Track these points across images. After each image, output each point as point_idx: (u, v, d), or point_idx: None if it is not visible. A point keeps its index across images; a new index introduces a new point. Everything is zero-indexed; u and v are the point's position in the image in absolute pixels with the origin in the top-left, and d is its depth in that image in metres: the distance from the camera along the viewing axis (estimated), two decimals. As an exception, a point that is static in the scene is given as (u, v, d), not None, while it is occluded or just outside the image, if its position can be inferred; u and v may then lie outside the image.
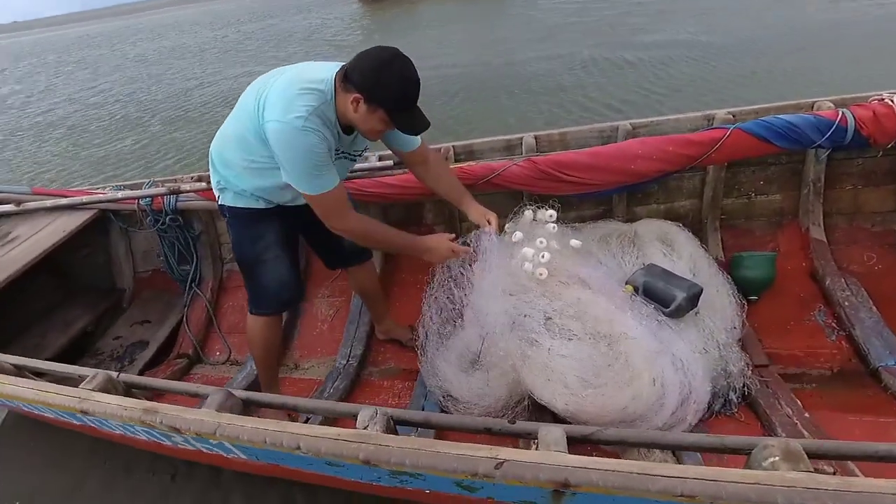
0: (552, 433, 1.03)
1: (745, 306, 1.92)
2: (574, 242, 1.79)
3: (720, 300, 1.87)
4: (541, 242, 1.72)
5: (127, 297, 2.67)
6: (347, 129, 1.49)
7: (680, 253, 1.96)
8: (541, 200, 2.14)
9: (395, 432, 1.17)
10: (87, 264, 2.69)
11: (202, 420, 1.20)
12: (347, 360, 2.10)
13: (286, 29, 13.43)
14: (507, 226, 1.95)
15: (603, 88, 5.49)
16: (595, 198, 2.25)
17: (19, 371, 1.61)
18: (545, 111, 5.13)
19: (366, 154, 2.24)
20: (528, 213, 1.92)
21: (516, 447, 1.01)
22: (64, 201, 2.44)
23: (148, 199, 2.35)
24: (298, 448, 1.07)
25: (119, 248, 2.65)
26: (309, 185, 1.43)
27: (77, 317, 2.44)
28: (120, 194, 2.40)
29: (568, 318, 1.55)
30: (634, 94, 5.26)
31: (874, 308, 1.86)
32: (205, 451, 1.41)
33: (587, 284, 1.69)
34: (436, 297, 1.84)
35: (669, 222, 2.10)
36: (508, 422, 1.10)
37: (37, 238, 2.30)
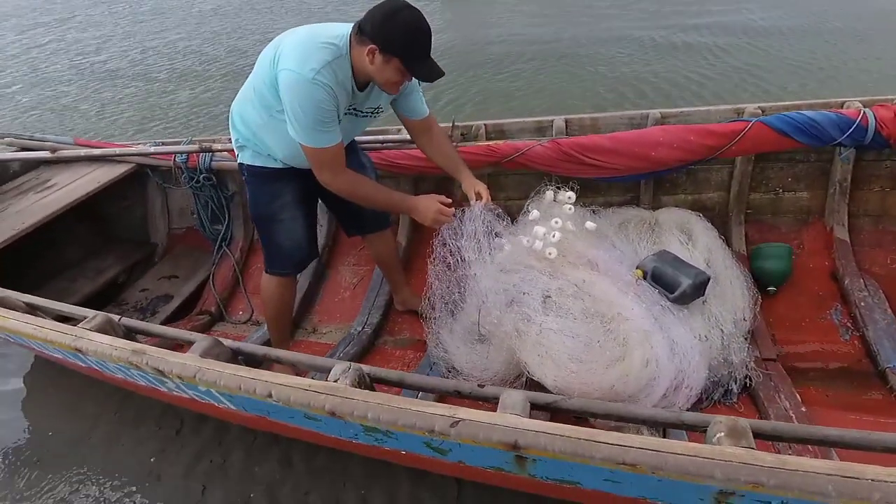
0: (512, 397, 1.09)
1: (760, 300, 1.94)
2: (589, 224, 1.85)
3: (732, 291, 1.89)
4: (556, 222, 1.78)
5: (159, 251, 2.76)
6: (363, 85, 1.54)
7: (696, 243, 1.98)
8: (567, 183, 2.20)
9: (372, 389, 1.22)
10: (125, 217, 2.79)
11: (184, 364, 1.27)
12: (363, 328, 2.19)
13: None
14: (526, 204, 2.02)
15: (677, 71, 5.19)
16: (623, 184, 2.29)
17: (31, 310, 1.68)
18: (601, 94, 4.83)
19: (398, 127, 2.35)
20: (549, 194, 1.98)
21: None
22: (97, 152, 2.55)
23: (183, 156, 2.46)
24: (270, 396, 1.15)
25: (156, 203, 2.78)
26: (309, 138, 1.47)
27: (109, 266, 2.57)
28: (153, 149, 2.50)
29: (567, 297, 1.60)
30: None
31: (889, 310, 1.85)
32: (197, 399, 1.49)
33: (595, 266, 1.75)
34: (439, 272, 1.87)
35: (690, 212, 2.12)
36: (478, 385, 1.18)
37: (73, 186, 2.39)
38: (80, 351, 1.45)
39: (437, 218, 1.66)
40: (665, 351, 1.56)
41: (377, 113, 1.71)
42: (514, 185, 2.40)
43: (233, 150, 2.35)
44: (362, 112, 1.65)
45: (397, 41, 1.38)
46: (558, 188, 1.92)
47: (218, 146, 2.40)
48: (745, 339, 1.82)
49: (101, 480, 1.91)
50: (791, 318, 2.00)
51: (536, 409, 1.10)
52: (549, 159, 2.03)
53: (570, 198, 1.85)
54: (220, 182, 2.62)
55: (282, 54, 1.46)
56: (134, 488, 1.86)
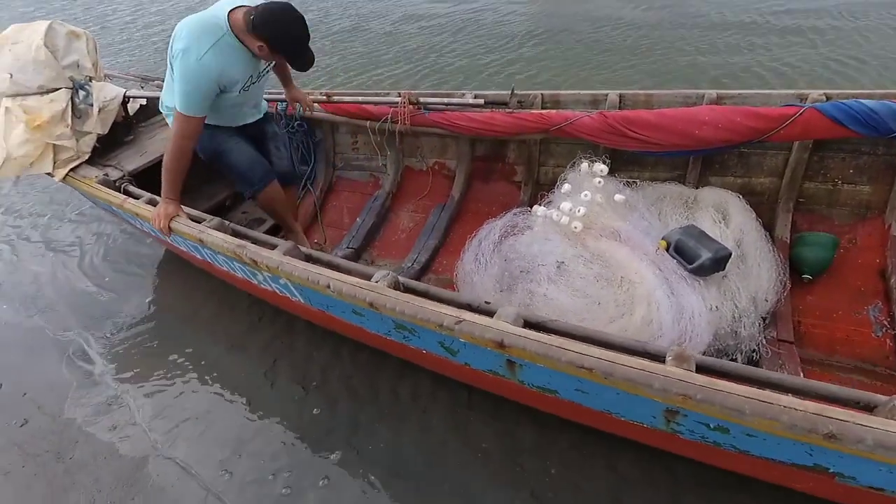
0: (507, 310, 1.33)
1: (789, 285, 1.98)
2: (618, 197, 1.98)
3: (758, 272, 1.95)
4: (584, 195, 1.94)
5: None
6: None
7: (730, 222, 2.05)
8: (606, 154, 2.32)
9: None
10: None
11: (271, 257, 1.69)
12: (412, 264, 2.50)
13: None
14: (561, 176, 2.18)
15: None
16: (671, 161, 2.36)
17: None
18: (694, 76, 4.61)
19: (463, 91, 2.57)
20: (585, 165, 2.13)
21: None
22: None
23: (283, 104, 2.87)
24: (329, 287, 1.50)
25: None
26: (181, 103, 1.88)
27: (219, 192, 3.03)
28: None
29: (580, 262, 1.78)
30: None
31: None
32: (277, 292, 1.92)
33: (619, 236, 1.90)
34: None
35: (730, 192, 2.16)
36: (485, 302, 1.42)
37: None
38: (201, 242, 1.94)
39: (159, 217, 2.04)
40: (671, 314, 1.70)
41: (265, 74, 2.15)
42: (563, 153, 2.54)
43: (322, 102, 2.72)
44: (260, 77, 2.12)
45: (285, 46, 1.84)
46: (593, 161, 2.05)
47: (311, 97, 2.74)
48: (763, 318, 1.90)
49: (203, 347, 2.48)
50: (823, 308, 2.02)
51: (529, 327, 1.32)
52: (595, 130, 2.15)
53: (601, 170, 1.99)
54: (310, 129, 3.03)
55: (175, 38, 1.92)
56: (226, 354, 2.43)
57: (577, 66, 5.08)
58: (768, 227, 2.18)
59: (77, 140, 2.59)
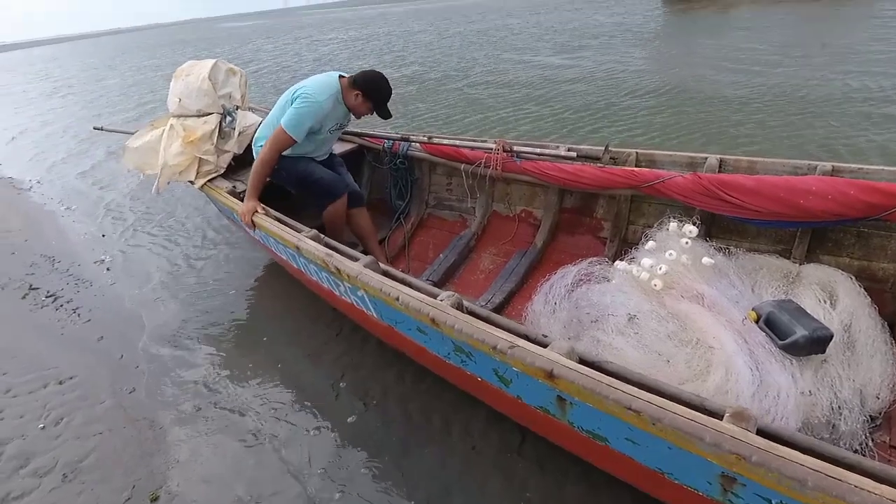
0: (561, 344, 1.31)
1: None
2: (706, 260, 1.88)
3: (868, 363, 1.72)
4: (669, 255, 1.87)
5: None
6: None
7: (837, 304, 1.84)
8: (714, 221, 2.25)
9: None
10: None
11: (352, 266, 1.83)
12: (485, 304, 2.52)
13: (582, 22, 14.11)
14: (648, 233, 2.12)
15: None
16: (774, 233, 2.21)
17: (280, 222, 2.46)
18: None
19: (557, 143, 2.64)
20: (673, 225, 2.06)
21: None
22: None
23: (389, 142, 3.16)
24: (398, 300, 1.59)
25: (364, 175, 3.56)
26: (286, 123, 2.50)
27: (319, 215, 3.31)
28: (372, 132, 3.28)
29: (653, 318, 1.70)
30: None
31: None
32: (355, 304, 2.04)
33: (702, 300, 1.79)
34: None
35: (841, 272, 1.95)
36: (542, 335, 1.40)
37: None
38: (298, 249, 2.16)
39: (245, 213, 2.52)
40: (751, 387, 1.55)
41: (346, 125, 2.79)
42: (654, 213, 2.48)
43: (424, 143, 2.95)
44: (342, 126, 2.74)
45: (374, 95, 2.54)
46: (682, 221, 1.98)
47: (414, 138, 3.05)
48: (872, 417, 1.65)
49: (283, 351, 2.70)
50: None
51: (584, 364, 1.29)
52: (688, 191, 2.09)
53: (690, 231, 1.91)
54: (410, 167, 3.27)
55: (301, 89, 2.57)
56: (301, 360, 2.62)
57: (683, 130, 5.01)
58: (890, 319, 1.93)
59: (218, 156, 3.04)
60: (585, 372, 1.15)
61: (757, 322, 1.76)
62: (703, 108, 5.50)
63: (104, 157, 7.02)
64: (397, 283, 1.70)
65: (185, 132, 2.98)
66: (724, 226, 2.30)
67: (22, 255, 4.21)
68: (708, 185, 2.03)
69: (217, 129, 3.07)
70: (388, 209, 3.40)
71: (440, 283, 2.77)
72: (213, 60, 3.09)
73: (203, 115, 3.06)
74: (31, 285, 3.70)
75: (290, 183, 2.79)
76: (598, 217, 2.73)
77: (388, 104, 2.59)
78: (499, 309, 2.54)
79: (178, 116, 3.07)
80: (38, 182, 6.32)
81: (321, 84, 2.54)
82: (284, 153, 2.60)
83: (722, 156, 2.30)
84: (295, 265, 2.56)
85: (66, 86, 16.32)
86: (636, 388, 1.09)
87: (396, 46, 14.20)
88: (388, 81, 2.56)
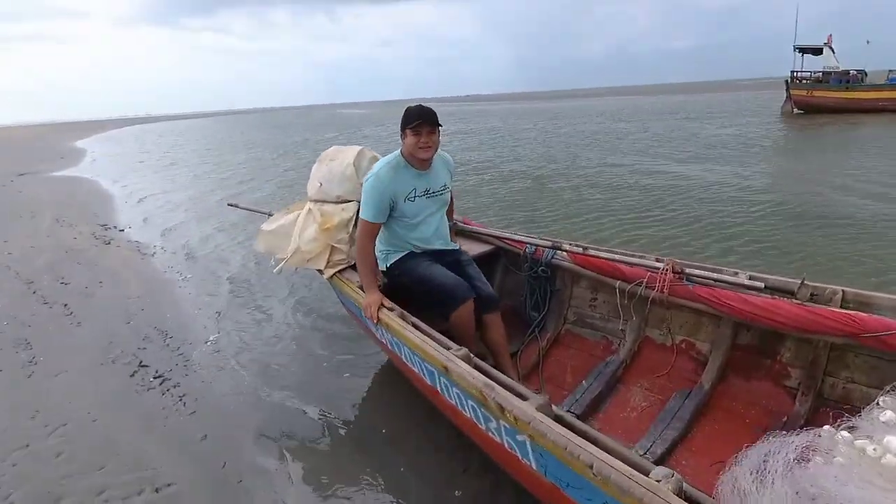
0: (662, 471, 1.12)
1: None
2: None
3: None
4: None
5: None
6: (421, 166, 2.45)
7: None
8: None
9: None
10: None
11: (522, 408, 1.44)
12: (644, 453, 2.07)
13: (695, 132, 13.80)
14: (878, 397, 1.64)
15: None
16: None
17: (413, 327, 2.17)
18: None
19: (735, 270, 2.28)
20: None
21: None
22: (477, 229, 3.25)
23: (533, 247, 2.91)
24: (591, 468, 1.21)
25: (497, 278, 3.25)
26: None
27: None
28: (513, 235, 3.03)
29: None
30: None
31: None
32: (506, 446, 1.64)
33: None
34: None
35: None
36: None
37: None
38: (446, 370, 1.82)
39: (368, 305, 2.36)
40: None
41: (443, 192, 2.58)
42: (864, 368, 2.00)
43: (575, 253, 2.67)
44: (429, 193, 2.50)
45: (404, 120, 2.36)
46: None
47: (566, 246, 2.74)
48: None
49: (397, 483, 2.32)
50: None
51: None
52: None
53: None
54: (551, 277, 2.97)
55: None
56: (416, 500, 2.21)
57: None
58: None
59: (350, 246, 2.91)
60: None
61: None
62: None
63: (231, 231, 7.29)
64: (586, 443, 1.31)
65: (322, 217, 2.92)
66: None
67: (137, 326, 4.18)
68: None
69: (354, 219, 3.02)
70: (520, 320, 3.08)
71: (583, 417, 2.36)
72: (359, 147, 3.06)
73: (342, 203, 3.00)
74: (141, 362, 3.57)
75: (412, 287, 2.56)
76: (783, 361, 2.25)
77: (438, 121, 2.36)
78: (660, 461, 2.09)
79: (317, 201, 3.03)
80: (163, 249, 6.60)
81: (381, 160, 2.50)
82: (393, 246, 2.54)
83: None
84: (428, 381, 2.17)
85: (203, 162, 17.93)
86: None
87: (506, 142, 14.60)
88: (420, 105, 2.39)
